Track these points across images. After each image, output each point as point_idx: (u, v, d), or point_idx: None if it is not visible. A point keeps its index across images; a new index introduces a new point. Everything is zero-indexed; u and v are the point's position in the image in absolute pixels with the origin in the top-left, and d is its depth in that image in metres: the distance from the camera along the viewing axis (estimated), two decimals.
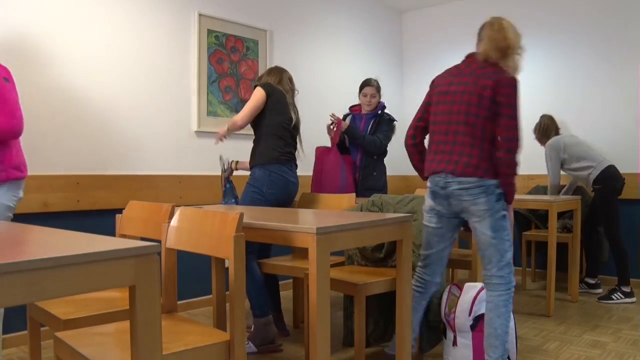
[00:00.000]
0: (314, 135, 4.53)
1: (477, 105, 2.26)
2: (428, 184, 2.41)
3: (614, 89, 4.45)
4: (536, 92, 4.87)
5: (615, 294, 3.94)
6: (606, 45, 4.49)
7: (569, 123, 4.66)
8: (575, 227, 4.01)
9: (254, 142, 3.14)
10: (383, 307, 2.94)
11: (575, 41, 4.65)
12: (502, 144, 2.24)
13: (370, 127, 3.86)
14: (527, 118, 4.93)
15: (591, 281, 4.22)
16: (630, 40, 4.37)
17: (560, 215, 4.38)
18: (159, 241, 1.97)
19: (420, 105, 2.53)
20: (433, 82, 2.50)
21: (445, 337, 2.59)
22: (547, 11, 4.80)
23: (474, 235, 2.37)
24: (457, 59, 5.93)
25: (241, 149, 4.05)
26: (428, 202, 2.44)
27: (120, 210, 2.49)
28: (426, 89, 2.56)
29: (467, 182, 2.26)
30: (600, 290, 4.17)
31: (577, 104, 4.64)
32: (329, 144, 3.99)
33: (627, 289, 3.92)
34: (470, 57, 2.43)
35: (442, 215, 2.40)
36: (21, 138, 2.64)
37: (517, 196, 3.94)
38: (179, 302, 3.65)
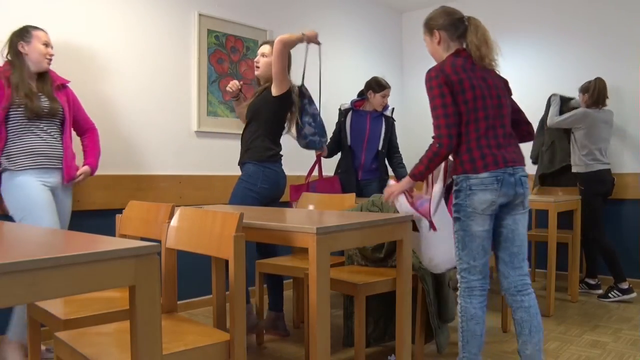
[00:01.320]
0: None
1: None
2: (487, 174, 2.16)
3: (615, 88, 4.45)
4: (536, 90, 4.87)
5: (612, 292, 3.95)
6: (607, 43, 4.49)
7: None
8: (575, 227, 4.01)
9: (250, 134, 3.10)
10: (383, 307, 2.94)
11: (575, 39, 4.65)
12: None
13: (381, 128, 4.00)
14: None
15: (592, 282, 4.21)
16: (631, 38, 4.37)
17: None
18: (159, 241, 1.97)
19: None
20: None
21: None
22: (546, 10, 4.80)
23: (506, 232, 2.27)
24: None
25: None
26: (488, 197, 2.17)
27: (120, 210, 2.49)
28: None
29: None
30: (600, 291, 4.16)
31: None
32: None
33: (624, 286, 3.92)
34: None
35: (493, 212, 2.22)
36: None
37: None
38: (179, 302, 3.65)
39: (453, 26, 2.30)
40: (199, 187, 3.81)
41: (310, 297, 1.77)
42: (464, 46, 2.30)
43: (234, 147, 4.03)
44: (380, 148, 4.01)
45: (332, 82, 4.88)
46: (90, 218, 3.26)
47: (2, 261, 1.01)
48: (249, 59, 4.16)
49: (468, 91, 2.19)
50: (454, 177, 2.24)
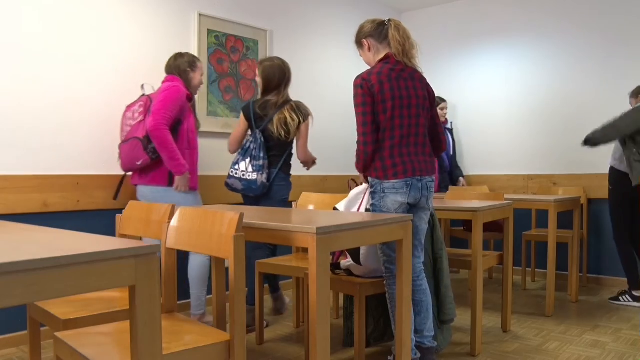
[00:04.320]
0: (314, 135, 4.52)
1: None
2: (397, 180, 2.36)
3: (618, 88, 4.45)
4: (539, 90, 4.88)
5: (623, 296, 3.86)
6: (610, 42, 4.49)
7: (570, 120, 4.66)
8: (575, 226, 4.01)
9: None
10: (383, 307, 2.94)
11: (577, 39, 4.65)
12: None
13: (449, 136, 4.92)
14: (536, 114, 4.93)
15: (637, 294, 3.84)
16: (636, 36, 4.37)
17: None
18: (159, 241, 1.97)
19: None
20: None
21: None
22: (546, 11, 4.80)
23: (414, 225, 2.47)
24: (456, 58, 5.94)
25: None
26: (399, 199, 2.37)
27: (120, 210, 2.50)
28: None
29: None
30: None
31: (578, 101, 4.64)
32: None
33: (637, 293, 3.79)
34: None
35: (404, 211, 2.44)
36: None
37: (517, 196, 3.96)
38: (179, 302, 3.65)
39: (377, 30, 2.47)
40: (199, 187, 3.81)
41: (311, 297, 1.77)
42: (391, 48, 2.45)
43: None
44: (451, 153, 4.90)
45: (332, 81, 4.89)
46: (90, 218, 3.26)
47: (2, 261, 1.02)
48: (249, 59, 4.16)
49: (388, 101, 2.35)
50: (369, 179, 2.45)
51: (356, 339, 2.53)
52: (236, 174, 3.21)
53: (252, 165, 3.17)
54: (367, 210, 2.53)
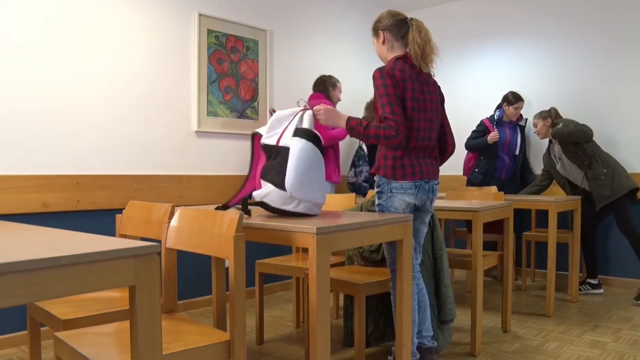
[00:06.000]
0: None
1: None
2: (405, 181, 2.33)
3: (622, 86, 4.45)
4: (539, 90, 4.87)
5: (583, 285, 4.18)
6: (610, 42, 4.49)
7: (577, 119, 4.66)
8: (575, 227, 4.01)
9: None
10: (383, 307, 2.94)
11: (576, 40, 4.65)
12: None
13: (518, 135, 4.63)
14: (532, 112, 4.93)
15: (594, 282, 4.21)
16: (637, 36, 4.37)
17: None
18: (159, 241, 1.97)
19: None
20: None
21: None
22: (546, 11, 4.80)
23: (415, 227, 2.42)
24: (456, 58, 5.93)
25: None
26: (406, 199, 2.34)
27: (120, 210, 2.50)
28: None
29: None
30: (602, 291, 4.19)
31: (578, 101, 4.63)
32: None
33: (594, 281, 4.17)
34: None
35: (410, 212, 2.41)
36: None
37: (517, 196, 3.96)
38: (179, 302, 3.65)
39: (396, 26, 2.37)
40: (199, 187, 3.81)
41: (311, 297, 1.77)
42: (407, 48, 2.36)
43: (234, 147, 4.04)
44: (517, 153, 4.61)
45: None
46: (90, 218, 3.27)
47: (2, 261, 1.01)
48: (249, 59, 4.16)
49: (408, 101, 2.27)
50: (376, 178, 2.40)
51: (356, 339, 2.53)
52: (349, 180, 4.57)
53: (354, 172, 4.59)
54: (296, 130, 2.05)
